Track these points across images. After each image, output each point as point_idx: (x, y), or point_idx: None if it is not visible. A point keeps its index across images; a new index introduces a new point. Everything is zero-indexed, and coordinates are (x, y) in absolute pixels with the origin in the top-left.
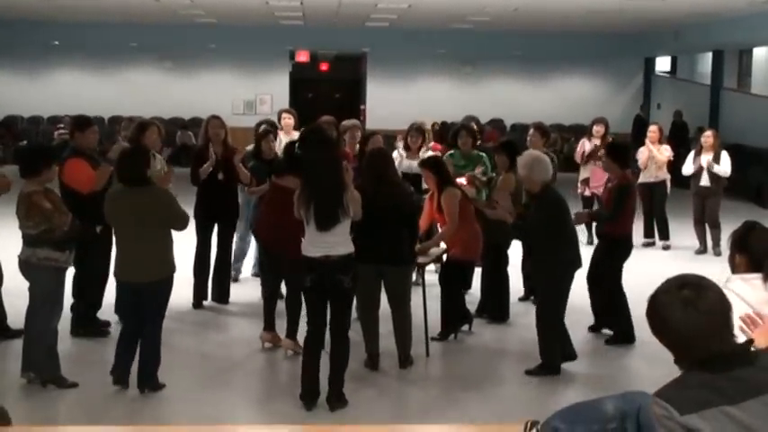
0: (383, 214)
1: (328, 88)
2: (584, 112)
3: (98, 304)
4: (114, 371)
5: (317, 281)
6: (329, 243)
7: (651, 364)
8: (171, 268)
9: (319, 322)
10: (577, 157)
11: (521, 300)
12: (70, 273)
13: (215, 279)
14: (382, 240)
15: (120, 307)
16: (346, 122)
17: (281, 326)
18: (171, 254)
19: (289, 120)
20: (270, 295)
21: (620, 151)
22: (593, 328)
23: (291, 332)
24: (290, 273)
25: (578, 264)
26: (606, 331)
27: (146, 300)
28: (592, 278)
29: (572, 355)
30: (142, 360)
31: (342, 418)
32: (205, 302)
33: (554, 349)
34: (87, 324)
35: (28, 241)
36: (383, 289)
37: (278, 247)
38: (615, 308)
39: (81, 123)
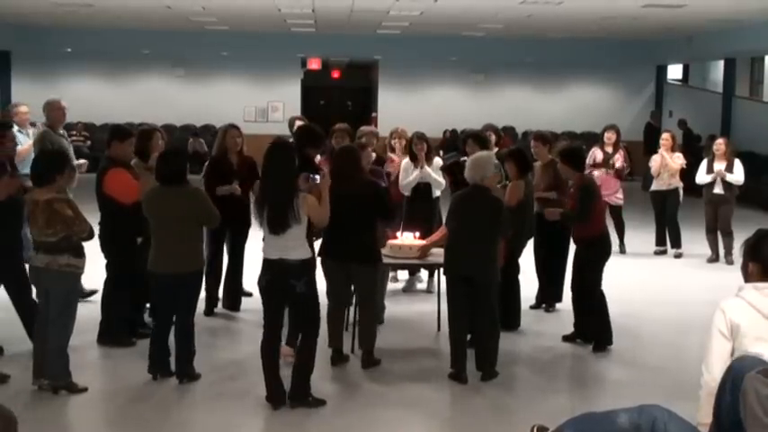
0: (349, 212)
1: (340, 96)
2: (596, 119)
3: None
4: (153, 368)
5: (271, 282)
6: (283, 247)
7: (629, 371)
8: (202, 261)
9: (273, 323)
10: (587, 168)
11: (532, 308)
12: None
13: (226, 286)
14: (349, 238)
15: (154, 302)
16: (363, 129)
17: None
18: (201, 249)
19: None
20: None
21: (574, 155)
22: (570, 338)
23: (292, 339)
24: None
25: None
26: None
27: (179, 291)
28: (577, 287)
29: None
30: (179, 351)
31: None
32: (216, 310)
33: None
34: (135, 328)
35: (47, 248)
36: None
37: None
38: (596, 313)
39: (121, 134)
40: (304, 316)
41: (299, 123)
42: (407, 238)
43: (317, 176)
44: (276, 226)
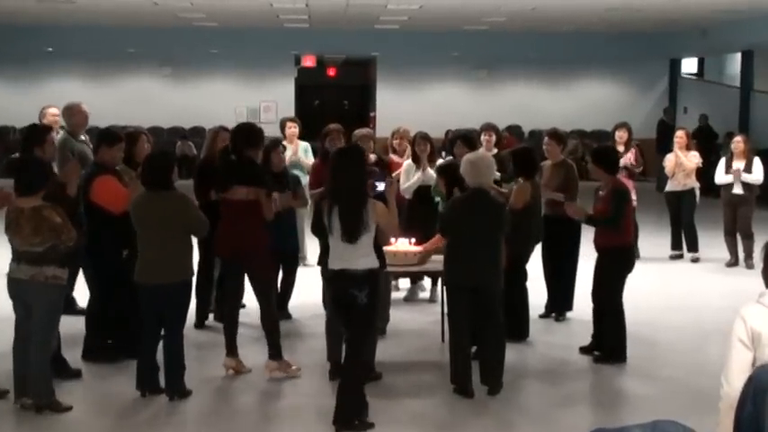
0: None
1: (336, 94)
2: (607, 117)
3: None
4: (141, 384)
5: (334, 295)
6: (350, 256)
7: (644, 383)
8: (191, 271)
9: (339, 335)
10: None
11: (541, 317)
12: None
13: (218, 297)
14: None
15: (141, 314)
16: (358, 132)
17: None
18: (191, 258)
19: (293, 129)
20: (230, 319)
21: (607, 155)
22: (587, 350)
23: (276, 353)
24: (260, 288)
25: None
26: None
27: (167, 303)
28: (598, 299)
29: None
30: (168, 367)
31: None
32: (207, 322)
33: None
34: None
35: (32, 259)
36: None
37: (241, 258)
38: (613, 325)
39: (109, 138)
40: (358, 328)
41: (290, 126)
42: (402, 244)
43: (382, 183)
44: (347, 235)
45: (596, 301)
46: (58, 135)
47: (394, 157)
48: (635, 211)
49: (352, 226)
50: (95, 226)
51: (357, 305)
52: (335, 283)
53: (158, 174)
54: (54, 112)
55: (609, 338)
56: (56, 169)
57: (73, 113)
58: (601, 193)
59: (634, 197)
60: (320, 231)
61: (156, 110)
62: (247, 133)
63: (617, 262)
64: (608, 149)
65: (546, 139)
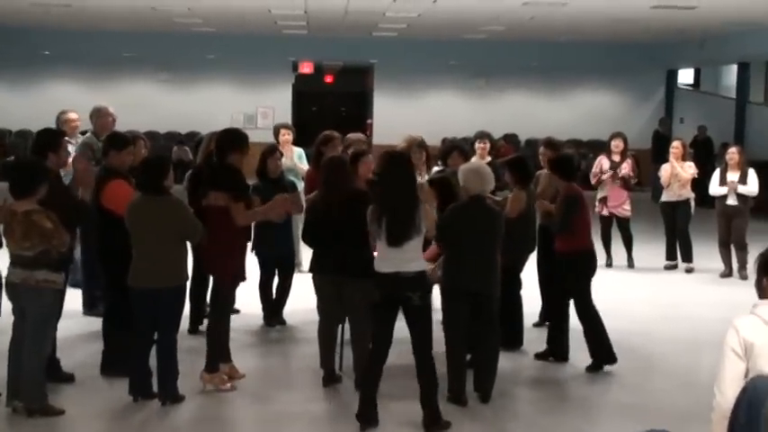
0: (341, 224)
1: (333, 101)
2: (603, 126)
3: None
4: (133, 389)
5: (387, 297)
6: (400, 259)
7: (637, 393)
8: (185, 276)
9: (385, 341)
10: (591, 178)
11: (535, 325)
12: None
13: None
14: (340, 251)
15: (134, 319)
16: (351, 136)
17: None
18: (185, 264)
19: (287, 136)
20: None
21: (563, 163)
22: (542, 356)
23: (213, 366)
24: (224, 297)
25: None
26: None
27: (160, 307)
28: (550, 299)
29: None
30: (161, 372)
31: None
32: (201, 328)
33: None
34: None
35: (23, 263)
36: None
37: (212, 268)
38: (591, 331)
39: (119, 142)
40: (420, 330)
41: (284, 132)
42: None
43: None
44: (397, 238)
45: (549, 302)
46: (81, 138)
47: None
48: (629, 220)
49: (402, 230)
50: (108, 231)
51: (412, 306)
52: (388, 286)
53: (154, 178)
54: (74, 117)
55: (592, 345)
56: (68, 174)
57: (100, 116)
58: (558, 199)
59: (628, 207)
60: (312, 238)
61: (152, 115)
62: (230, 138)
63: (576, 265)
64: (566, 157)
65: (541, 148)
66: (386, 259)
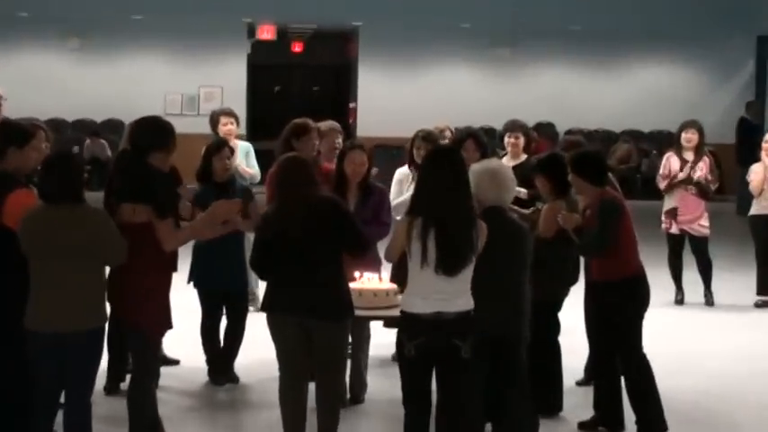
0: (302, 245)
1: (303, 78)
2: (670, 113)
3: None
4: None
5: (426, 347)
6: (446, 294)
7: None
8: (103, 317)
9: (424, 404)
10: (660, 182)
11: (579, 384)
12: None
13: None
14: (306, 282)
15: (34, 370)
16: (323, 124)
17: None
18: (102, 299)
19: (229, 126)
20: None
21: (590, 163)
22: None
23: None
24: (152, 354)
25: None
26: None
27: (70, 358)
28: (597, 351)
29: None
30: None
31: None
32: (123, 386)
33: None
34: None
35: None
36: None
37: (131, 311)
38: (637, 388)
39: (18, 136)
40: (467, 391)
41: (224, 122)
42: (371, 280)
43: None
44: (451, 265)
45: (596, 356)
46: None
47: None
48: (707, 240)
49: (457, 253)
50: (10, 255)
51: (459, 360)
52: (427, 332)
53: (60, 182)
54: None
55: (638, 410)
56: None
57: None
58: (588, 212)
59: (706, 223)
60: (262, 265)
61: (57, 96)
62: (150, 130)
63: (619, 298)
64: (590, 155)
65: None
66: (424, 295)
